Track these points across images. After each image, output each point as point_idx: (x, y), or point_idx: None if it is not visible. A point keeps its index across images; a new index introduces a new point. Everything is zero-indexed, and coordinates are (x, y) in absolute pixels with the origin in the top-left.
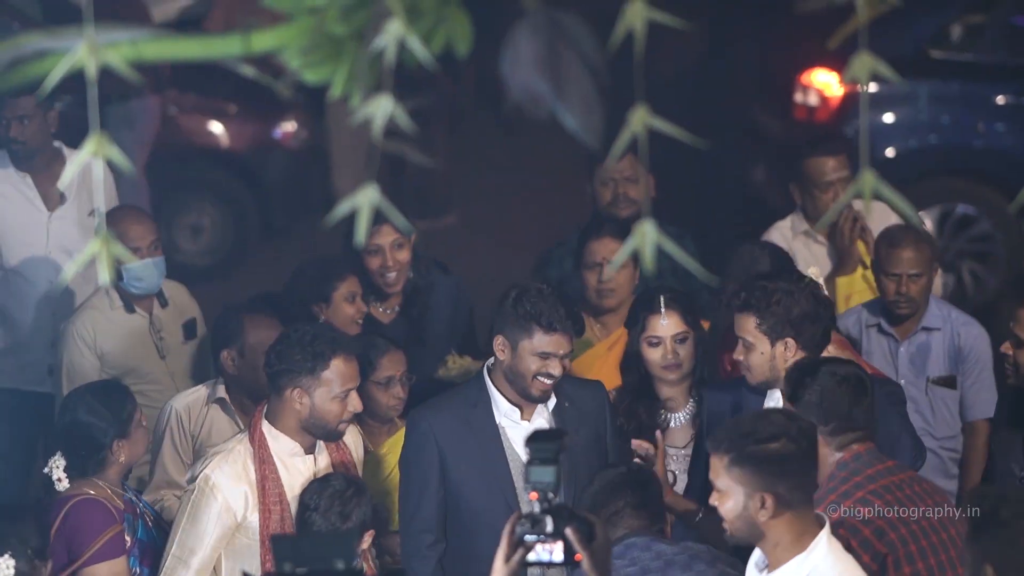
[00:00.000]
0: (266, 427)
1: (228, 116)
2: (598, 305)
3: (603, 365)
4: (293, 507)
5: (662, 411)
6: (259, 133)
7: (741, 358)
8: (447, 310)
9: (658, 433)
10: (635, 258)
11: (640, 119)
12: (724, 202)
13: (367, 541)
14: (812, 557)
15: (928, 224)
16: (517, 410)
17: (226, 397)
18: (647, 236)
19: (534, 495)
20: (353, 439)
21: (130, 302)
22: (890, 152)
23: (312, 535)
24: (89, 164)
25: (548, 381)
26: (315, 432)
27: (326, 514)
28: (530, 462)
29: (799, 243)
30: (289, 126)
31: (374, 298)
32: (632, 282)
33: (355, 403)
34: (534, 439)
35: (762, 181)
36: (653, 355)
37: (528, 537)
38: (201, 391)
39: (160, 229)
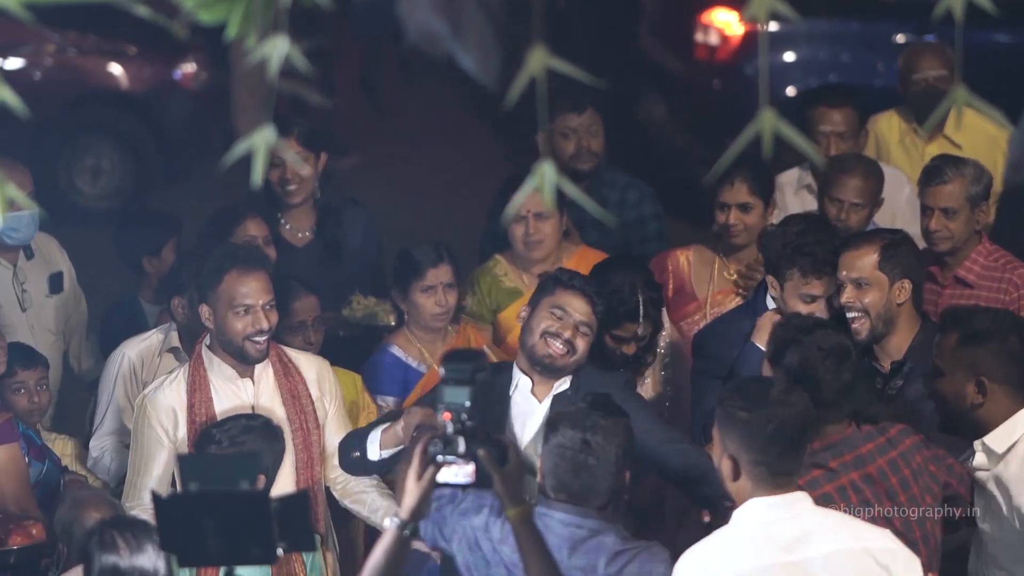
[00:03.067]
0: (205, 351)
1: (128, 58)
2: (526, 256)
3: None
4: None
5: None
6: (159, 75)
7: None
8: (358, 238)
9: None
10: (560, 208)
11: (538, 60)
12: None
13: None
14: None
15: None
16: (529, 381)
17: (179, 345)
18: (546, 176)
19: (447, 415)
20: (316, 372)
21: None
22: (791, 91)
23: (218, 455)
24: None
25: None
26: (231, 352)
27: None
28: (444, 381)
29: (799, 198)
30: (189, 67)
31: (285, 221)
32: (558, 232)
33: (261, 320)
34: (450, 359)
35: (663, 121)
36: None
37: (440, 458)
38: (154, 338)
39: (57, 173)
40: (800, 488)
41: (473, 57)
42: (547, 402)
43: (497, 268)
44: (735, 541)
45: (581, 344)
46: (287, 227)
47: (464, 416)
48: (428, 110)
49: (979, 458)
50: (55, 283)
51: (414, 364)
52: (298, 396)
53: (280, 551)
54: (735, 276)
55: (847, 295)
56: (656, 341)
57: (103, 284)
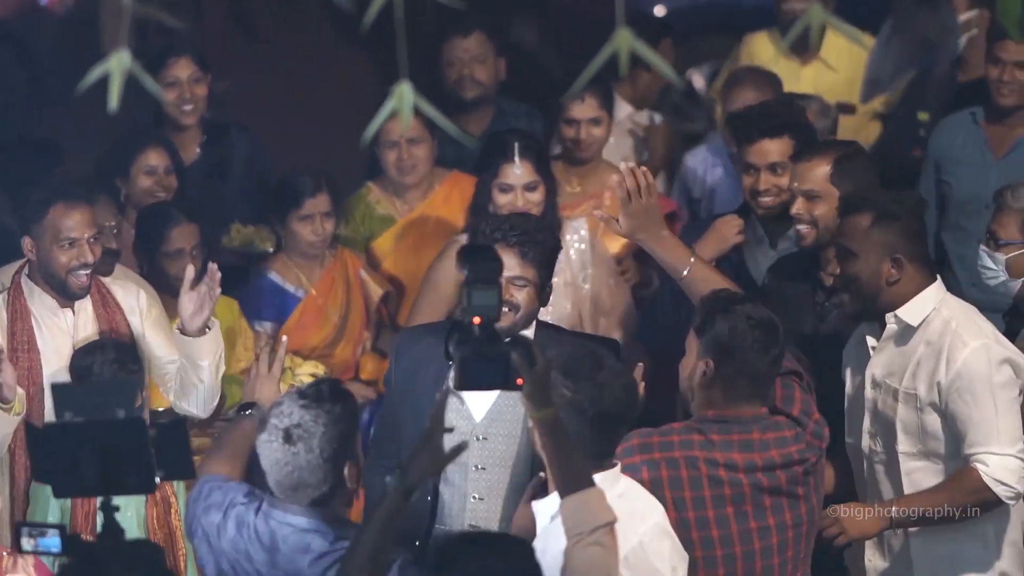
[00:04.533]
0: (24, 281)
1: None
2: (399, 181)
3: (407, 240)
4: (53, 361)
5: None
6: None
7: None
8: (243, 162)
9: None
10: (431, 131)
11: None
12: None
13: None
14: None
15: (699, 82)
16: None
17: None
18: (404, 97)
19: (477, 320)
20: (135, 300)
21: None
22: (659, 11)
23: (92, 383)
24: None
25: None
26: (52, 284)
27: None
28: (470, 283)
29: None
30: None
31: (175, 130)
32: (431, 157)
33: (86, 253)
34: (470, 259)
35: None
36: (502, 200)
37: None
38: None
39: None
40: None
41: None
42: None
43: (370, 196)
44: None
45: (521, 297)
46: (175, 134)
47: (493, 316)
48: (300, 33)
49: (889, 329)
50: None
51: (291, 289)
52: (117, 326)
53: (158, 479)
54: (579, 189)
55: (797, 207)
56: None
57: None
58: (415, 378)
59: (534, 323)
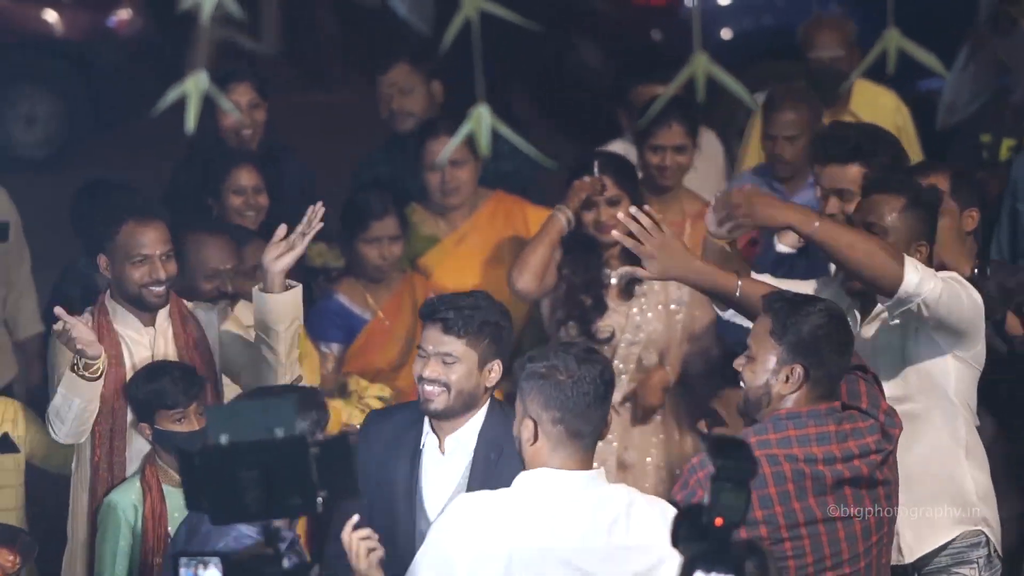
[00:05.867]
0: (108, 301)
1: (62, 4)
2: (443, 204)
3: (451, 260)
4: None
5: (605, 269)
6: (93, 22)
7: None
8: (296, 185)
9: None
10: (474, 152)
11: (473, 3)
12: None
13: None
14: None
15: None
16: (435, 436)
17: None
18: (482, 120)
19: (719, 521)
20: (214, 316)
21: None
22: (726, 34)
23: (248, 403)
24: None
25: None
26: (130, 300)
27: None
28: (720, 480)
29: None
30: (124, 14)
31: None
32: (475, 178)
33: (158, 270)
34: (722, 452)
35: (597, 64)
36: (588, 217)
37: None
38: None
39: None
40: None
41: (406, 1)
42: (453, 453)
43: (415, 216)
44: (514, 511)
45: (453, 376)
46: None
47: (737, 520)
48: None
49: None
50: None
51: (358, 311)
52: (195, 345)
53: (320, 500)
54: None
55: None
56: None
57: (41, 236)
58: (385, 467)
59: (485, 405)
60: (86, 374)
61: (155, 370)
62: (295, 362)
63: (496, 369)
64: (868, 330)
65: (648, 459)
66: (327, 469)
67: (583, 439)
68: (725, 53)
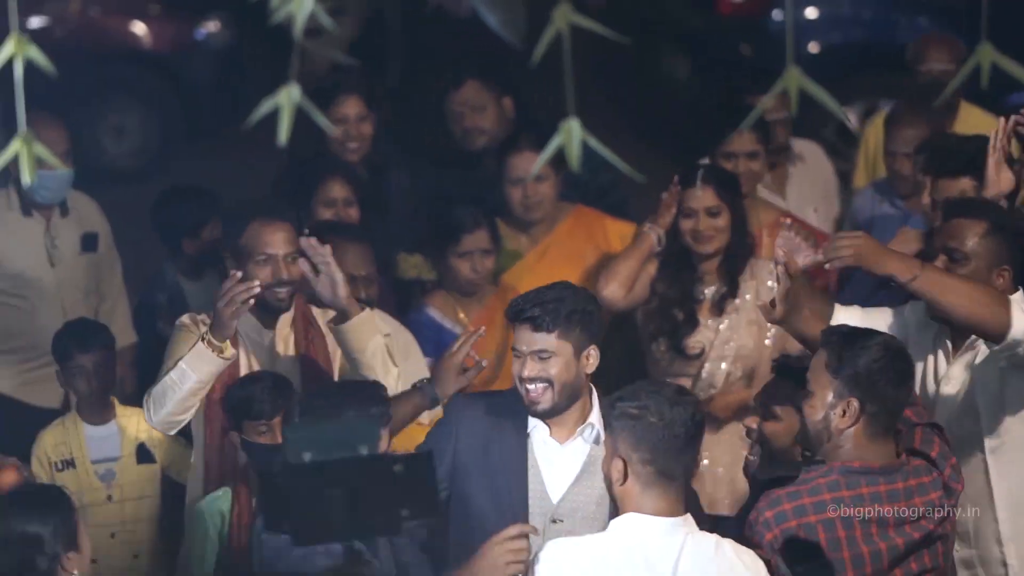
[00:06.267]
0: None
1: (151, 16)
2: (525, 219)
3: (533, 275)
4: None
5: (699, 285)
6: (183, 33)
7: None
8: (400, 198)
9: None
10: (555, 167)
11: (563, 16)
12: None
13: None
14: None
15: (853, 120)
16: (545, 427)
17: None
18: (572, 134)
19: None
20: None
21: (28, 206)
22: (814, 48)
23: (330, 423)
24: None
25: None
26: (257, 302)
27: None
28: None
29: None
30: (213, 26)
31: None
32: (556, 192)
33: (282, 271)
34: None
35: (685, 78)
36: (686, 225)
37: None
38: None
39: (82, 131)
40: (686, 511)
41: (497, 12)
42: (573, 444)
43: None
44: (606, 557)
45: (552, 370)
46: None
47: None
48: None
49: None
50: (88, 242)
51: (448, 325)
52: (316, 350)
53: (403, 517)
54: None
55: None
56: None
57: (131, 245)
58: (486, 455)
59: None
60: (218, 347)
61: (249, 378)
62: (397, 377)
63: (593, 354)
64: (960, 362)
65: (705, 462)
66: (409, 487)
67: (674, 480)
68: (814, 67)
